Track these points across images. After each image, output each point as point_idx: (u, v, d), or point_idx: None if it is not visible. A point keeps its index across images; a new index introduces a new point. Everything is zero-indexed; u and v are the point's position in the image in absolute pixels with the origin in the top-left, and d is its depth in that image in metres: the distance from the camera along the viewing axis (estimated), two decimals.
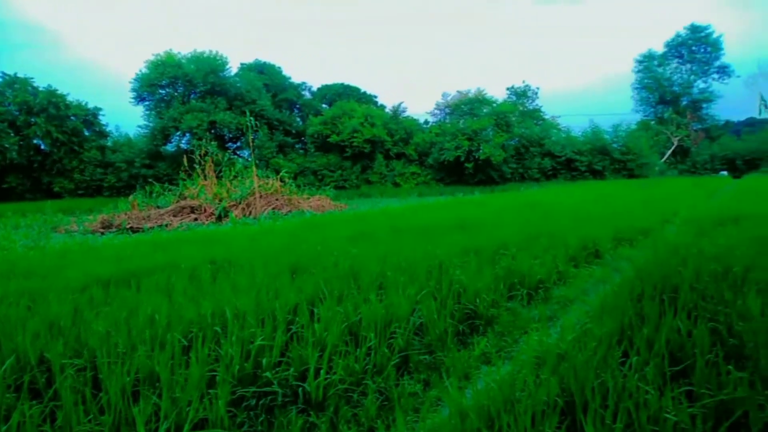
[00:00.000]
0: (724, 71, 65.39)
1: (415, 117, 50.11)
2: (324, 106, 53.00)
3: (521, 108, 52.76)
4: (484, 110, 46.73)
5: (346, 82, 57.47)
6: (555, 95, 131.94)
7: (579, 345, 3.46)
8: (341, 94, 53.74)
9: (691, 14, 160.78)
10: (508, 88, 55.83)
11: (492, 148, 41.04)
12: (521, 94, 55.02)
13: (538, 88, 55.95)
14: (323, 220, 13.72)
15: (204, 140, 26.74)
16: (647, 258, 6.14)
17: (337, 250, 7.29)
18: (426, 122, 50.75)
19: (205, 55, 42.68)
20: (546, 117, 53.02)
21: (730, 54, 71.47)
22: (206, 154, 23.26)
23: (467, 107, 47.47)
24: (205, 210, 19.73)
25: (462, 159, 41.15)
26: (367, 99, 55.07)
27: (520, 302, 5.59)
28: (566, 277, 6.67)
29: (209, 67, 41.76)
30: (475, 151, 41.14)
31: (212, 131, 40.24)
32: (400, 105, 48.78)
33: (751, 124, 70.39)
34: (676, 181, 35.59)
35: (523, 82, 56.96)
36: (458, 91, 49.54)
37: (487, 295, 5.21)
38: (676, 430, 2.46)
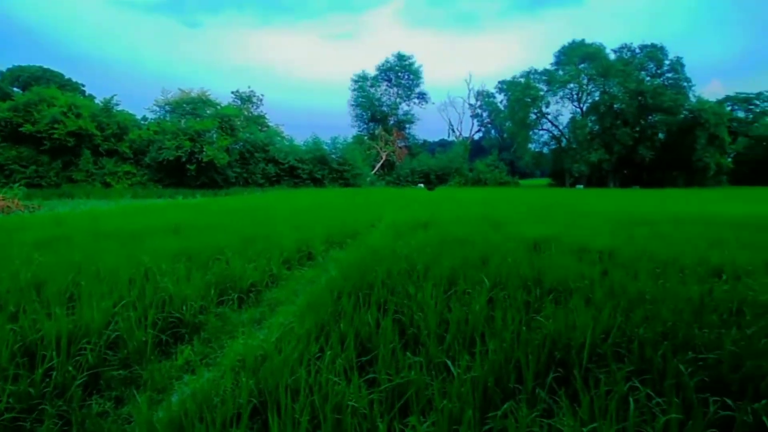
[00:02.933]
0: (423, 97, 76.28)
1: (131, 113, 45.93)
2: (16, 90, 45.08)
3: (246, 113, 52.85)
4: (208, 112, 45.52)
5: (47, 66, 50.01)
6: (278, 104, 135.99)
7: (281, 345, 3.56)
8: (39, 79, 46.49)
9: (399, 44, 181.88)
10: (233, 92, 55.36)
11: (216, 150, 40.22)
12: (246, 100, 55.08)
13: (262, 95, 56.72)
14: (5, 224, 11.59)
15: None
16: (351, 259, 6.68)
17: (20, 258, 6.25)
18: (144, 119, 46.96)
19: None
20: (270, 124, 54.08)
21: (427, 83, 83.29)
22: None
23: (189, 107, 45.56)
24: None
25: (184, 160, 39.29)
26: (72, 87, 48.72)
27: (230, 307, 5.52)
28: (279, 280, 6.84)
29: None
30: (198, 153, 39.76)
31: None
32: (113, 97, 43.86)
33: (443, 144, 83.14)
34: (384, 191, 39.82)
35: (249, 87, 57.13)
36: (180, 89, 47.23)
37: (196, 302, 5.02)
38: (357, 415, 2.70)
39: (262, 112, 56.23)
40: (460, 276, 5.52)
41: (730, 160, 62.11)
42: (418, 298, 4.56)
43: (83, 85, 51.82)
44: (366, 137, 68.87)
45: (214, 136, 42.16)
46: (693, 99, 59.47)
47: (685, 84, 59.86)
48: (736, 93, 70.45)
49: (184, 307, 4.87)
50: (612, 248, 7.59)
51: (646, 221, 12.03)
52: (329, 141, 53.03)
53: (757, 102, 69.39)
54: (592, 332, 3.60)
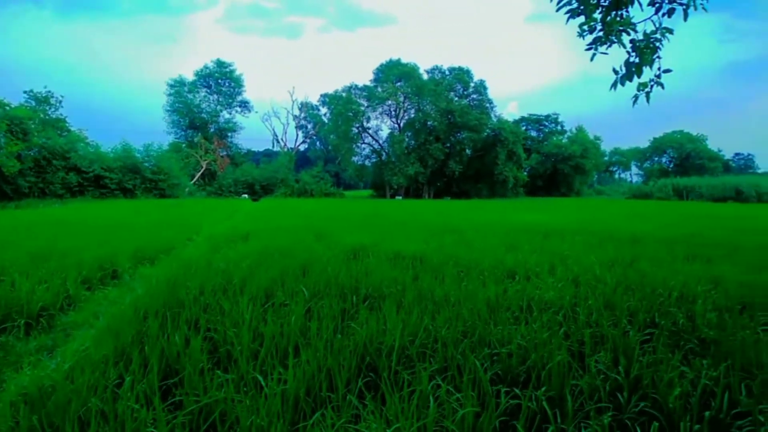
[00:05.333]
0: (246, 106, 74.71)
1: None
2: None
3: (42, 116, 46.95)
4: None
5: None
6: (83, 107, 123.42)
7: (74, 373, 3.20)
8: None
9: (221, 51, 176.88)
10: (25, 92, 48.74)
11: (4, 157, 35.07)
12: (42, 101, 48.87)
13: (62, 97, 50.77)
14: None
15: None
16: (161, 276, 6.25)
17: None
18: None
19: None
20: (72, 129, 48.66)
21: (250, 93, 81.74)
22: None
23: None
24: None
25: None
26: None
27: (15, 335, 4.83)
28: (77, 301, 6.15)
29: None
30: None
31: None
32: None
33: (268, 155, 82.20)
34: (204, 202, 38.08)
35: (45, 87, 50.77)
36: None
37: None
38: None
39: (61, 115, 50.14)
40: (279, 287, 5.47)
41: (525, 174, 69.95)
42: (233, 314, 4.41)
43: None
44: (184, 145, 65.32)
45: (2, 140, 36.73)
46: (494, 119, 66.11)
47: (488, 105, 66.22)
48: (530, 114, 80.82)
49: None
50: (423, 254, 8.09)
51: (455, 229, 13.04)
52: (141, 148, 49.25)
53: (546, 123, 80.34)
54: (401, 335, 3.78)
